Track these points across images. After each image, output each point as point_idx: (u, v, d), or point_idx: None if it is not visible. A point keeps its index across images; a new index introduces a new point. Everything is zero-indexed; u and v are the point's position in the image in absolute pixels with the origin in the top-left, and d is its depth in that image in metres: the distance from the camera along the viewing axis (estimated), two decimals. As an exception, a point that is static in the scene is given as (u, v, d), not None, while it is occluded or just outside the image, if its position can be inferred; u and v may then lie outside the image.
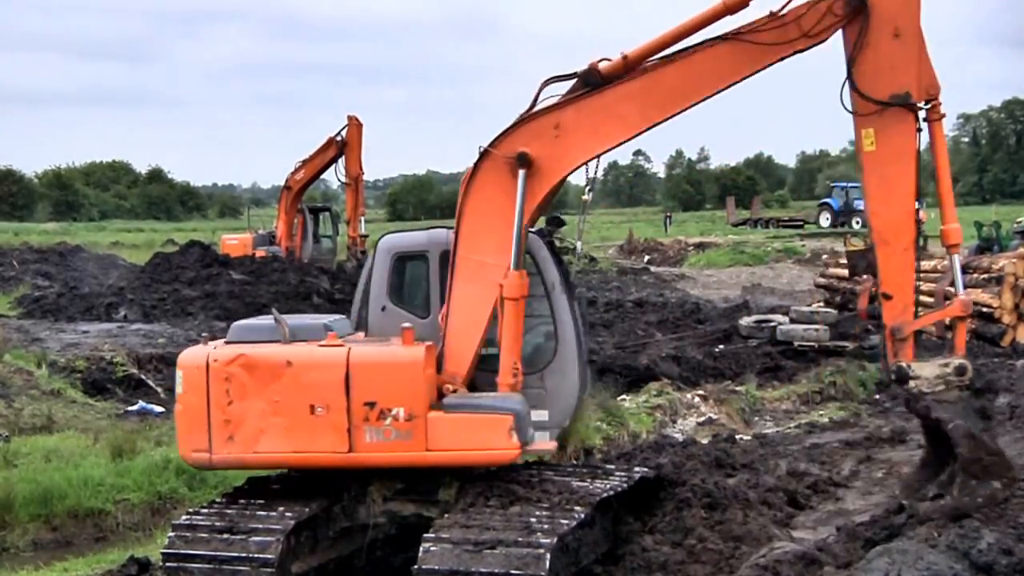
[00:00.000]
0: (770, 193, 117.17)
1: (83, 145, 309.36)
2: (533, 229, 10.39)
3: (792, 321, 23.16)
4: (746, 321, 23.79)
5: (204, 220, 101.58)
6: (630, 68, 9.29)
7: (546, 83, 9.48)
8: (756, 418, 18.71)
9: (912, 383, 9.21)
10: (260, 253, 34.48)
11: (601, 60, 9.39)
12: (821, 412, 18.93)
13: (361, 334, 10.25)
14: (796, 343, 22.32)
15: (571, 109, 9.38)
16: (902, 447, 15.43)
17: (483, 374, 9.83)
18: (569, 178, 11.14)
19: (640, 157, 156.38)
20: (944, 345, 24.76)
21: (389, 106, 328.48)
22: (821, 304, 27.43)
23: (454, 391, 9.64)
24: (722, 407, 18.45)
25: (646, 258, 53.02)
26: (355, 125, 34.56)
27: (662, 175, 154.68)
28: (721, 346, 22.94)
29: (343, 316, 10.51)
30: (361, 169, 34.94)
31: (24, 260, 39.37)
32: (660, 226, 77.83)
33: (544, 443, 10.10)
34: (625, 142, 9.65)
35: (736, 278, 42.42)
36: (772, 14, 9.10)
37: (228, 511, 9.63)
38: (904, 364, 9.26)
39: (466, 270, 9.60)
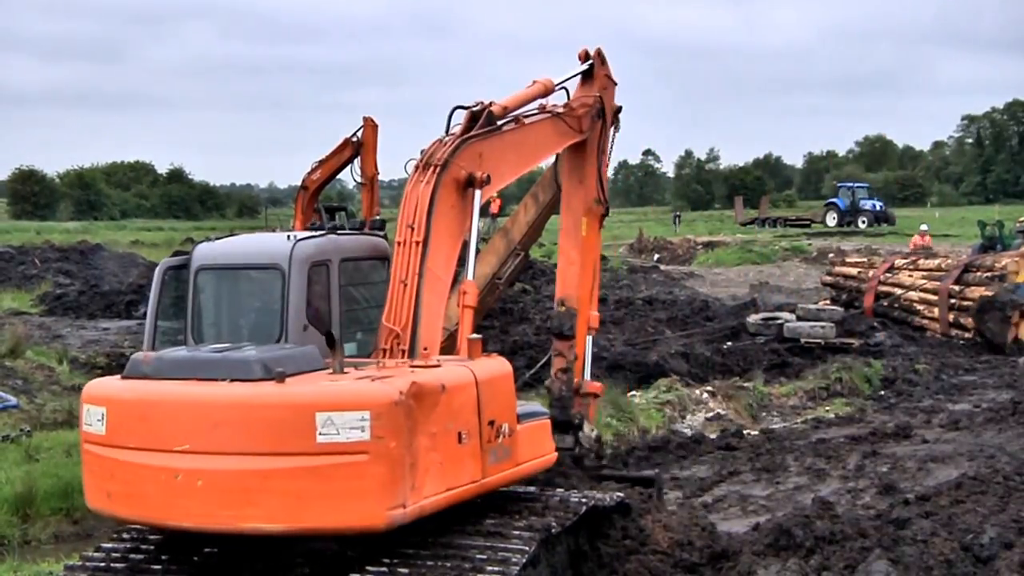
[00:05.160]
0: (778, 193, 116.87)
1: (73, 147, 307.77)
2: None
3: (799, 319, 23.41)
4: (754, 318, 23.97)
5: (223, 219, 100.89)
6: (504, 116, 9.85)
7: (455, 110, 9.66)
8: (764, 413, 18.90)
9: (583, 433, 11.06)
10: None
11: (496, 103, 9.80)
12: (827, 408, 19.18)
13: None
14: (803, 340, 22.55)
15: (493, 140, 9.61)
16: (906, 442, 15.68)
17: None
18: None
19: (650, 157, 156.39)
20: (946, 343, 25.10)
21: (400, 106, 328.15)
22: (827, 302, 27.73)
23: None
24: (730, 403, 18.64)
25: (655, 256, 53.06)
26: (371, 126, 34.59)
27: (671, 175, 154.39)
28: (729, 343, 23.12)
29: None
30: (376, 169, 34.97)
31: (46, 258, 39.14)
32: (669, 225, 77.79)
33: None
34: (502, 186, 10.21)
35: (744, 276, 42.46)
36: (567, 105, 10.66)
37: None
38: (581, 414, 11.13)
39: (431, 283, 9.22)
